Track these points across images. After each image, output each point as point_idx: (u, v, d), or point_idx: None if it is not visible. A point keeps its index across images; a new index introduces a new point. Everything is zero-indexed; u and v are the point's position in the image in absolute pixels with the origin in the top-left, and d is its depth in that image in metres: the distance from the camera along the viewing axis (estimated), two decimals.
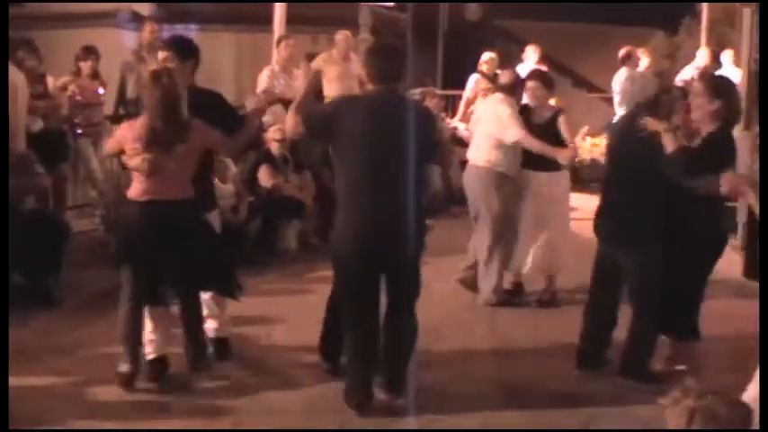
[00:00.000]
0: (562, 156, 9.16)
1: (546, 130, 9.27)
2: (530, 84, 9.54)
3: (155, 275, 6.95)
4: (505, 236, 9.40)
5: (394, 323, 6.77)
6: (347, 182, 6.64)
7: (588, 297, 7.68)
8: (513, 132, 9.14)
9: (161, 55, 7.63)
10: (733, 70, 15.92)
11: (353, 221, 6.61)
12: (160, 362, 7.08)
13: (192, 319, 7.28)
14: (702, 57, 16.44)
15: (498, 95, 9.61)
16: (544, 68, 13.30)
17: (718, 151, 6.76)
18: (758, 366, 4.86)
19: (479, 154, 9.49)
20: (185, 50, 7.61)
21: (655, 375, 7.14)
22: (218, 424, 6.49)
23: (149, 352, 7.06)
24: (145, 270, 6.89)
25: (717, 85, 6.99)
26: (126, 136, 6.91)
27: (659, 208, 7.07)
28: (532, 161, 9.30)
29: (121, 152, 7.07)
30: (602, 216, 7.54)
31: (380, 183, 6.51)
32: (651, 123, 6.94)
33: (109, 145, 7.69)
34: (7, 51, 8.97)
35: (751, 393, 4.74)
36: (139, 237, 6.83)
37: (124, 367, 6.89)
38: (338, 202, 6.75)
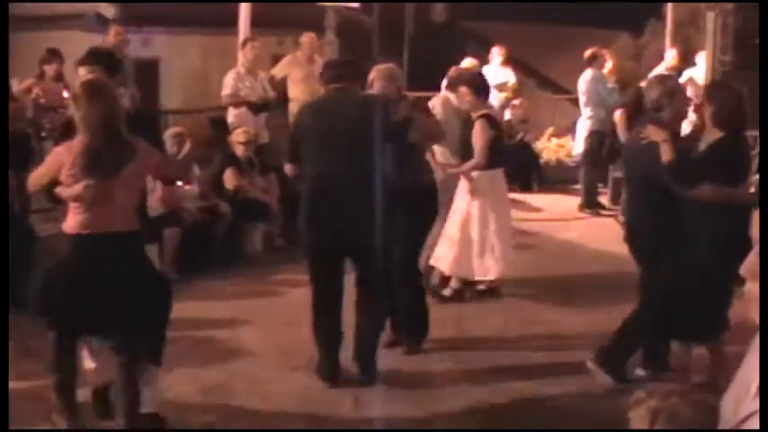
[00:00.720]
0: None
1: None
2: (460, 88, 9.38)
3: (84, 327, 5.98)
4: (454, 234, 9.44)
5: (360, 307, 7.25)
6: (308, 176, 7.18)
7: None
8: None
9: (82, 71, 6.69)
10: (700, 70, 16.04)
11: (314, 211, 7.14)
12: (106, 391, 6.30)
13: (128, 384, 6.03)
14: (671, 57, 16.53)
15: (444, 92, 9.73)
16: (502, 69, 13.37)
17: (720, 159, 6.66)
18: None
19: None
20: (113, 64, 6.94)
21: (625, 376, 7.11)
22: (189, 423, 6.49)
23: (91, 381, 6.33)
24: (74, 324, 5.92)
25: (710, 89, 6.94)
26: (62, 161, 5.77)
27: (670, 217, 6.91)
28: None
29: (54, 183, 5.90)
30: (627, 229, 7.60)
31: (338, 174, 6.97)
32: (653, 132, 6.83)
33: (37, 176, 6.08)
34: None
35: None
36: (73, 279, 5.78)
37: (59, 422, 6.05)
38: (302, 194, 7.33)
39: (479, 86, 9.39)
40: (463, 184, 9.38)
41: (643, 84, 14.52)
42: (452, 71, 9.95)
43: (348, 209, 6.98)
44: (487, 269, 9.40)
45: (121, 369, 5.91)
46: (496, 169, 9.45)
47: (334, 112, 7.12)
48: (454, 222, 9.37)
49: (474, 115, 9.27)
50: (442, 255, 9.37)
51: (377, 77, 7.79)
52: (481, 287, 9.61)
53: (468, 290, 9.62)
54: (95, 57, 6.91)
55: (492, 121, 9.42)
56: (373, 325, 7.35)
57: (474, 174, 9.31)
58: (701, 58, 16.67)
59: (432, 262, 9.43)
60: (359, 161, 6.97)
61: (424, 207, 7.97)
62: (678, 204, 6.77)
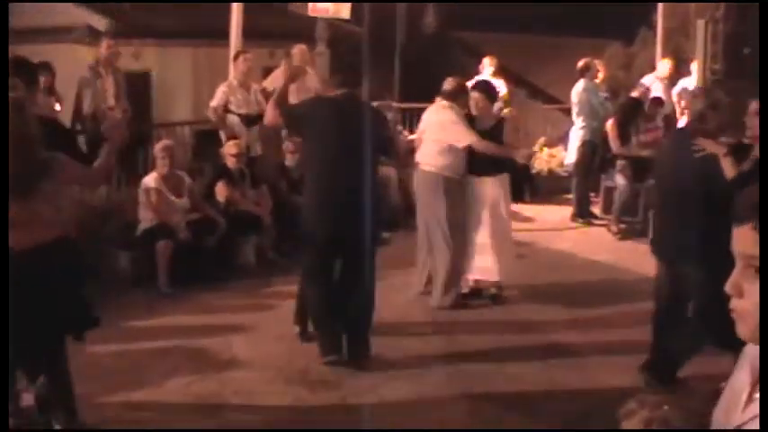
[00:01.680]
0: (521, 154, 9.42)
1: (490, 136, 9.46)
2: (473, 94, 9.74)
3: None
4: (455, 240, 9.52)
5: (351, 296, 7.93)
6: (312, 166, 8.10)
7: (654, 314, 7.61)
8: (467, 137, 9.30)
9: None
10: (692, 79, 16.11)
11: (319, 201, 7.89)
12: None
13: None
14: (664, 67, 16.61)
15: (443, 102, 9.74)
16: (493, 80, 13.42)
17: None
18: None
19: (426, 159, 9.71)
20: (30, 74, 6.93)
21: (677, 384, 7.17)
22: None
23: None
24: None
25: None
26: None
27: (717, 224, 6.86)
28: (475, 166, 9.54)
29: None
30: (659, 236, 7.57)
31: (339, 167, 7.78)
32: (709, 145, 6.83)
33: None
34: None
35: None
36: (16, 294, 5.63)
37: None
38: (305, 185, 8.23)
39: (491, 92, 10.03)
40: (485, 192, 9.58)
41: (634, 93, 14.62)
42: (454, 82, 10.00)
43: (346, 200, 7.71)
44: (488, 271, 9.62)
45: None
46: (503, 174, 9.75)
47: (342, 114, 7.87)
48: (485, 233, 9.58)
49: (488, 120, 9.76)
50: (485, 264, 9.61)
51: None
52: (493, 291, 9.80)
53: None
54: (14, 69, 6.80)
55: None
56: (365, 309, 8.01)
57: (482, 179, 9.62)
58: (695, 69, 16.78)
59: (478, 275, 9.70)
60: (356, 158, 7.70)
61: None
62: (721, 215, 6.77)
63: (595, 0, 21.67)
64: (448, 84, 9.93)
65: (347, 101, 7.97)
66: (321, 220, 7.85)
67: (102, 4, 16.36)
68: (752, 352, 3.02)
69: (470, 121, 9.59)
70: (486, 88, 10.03)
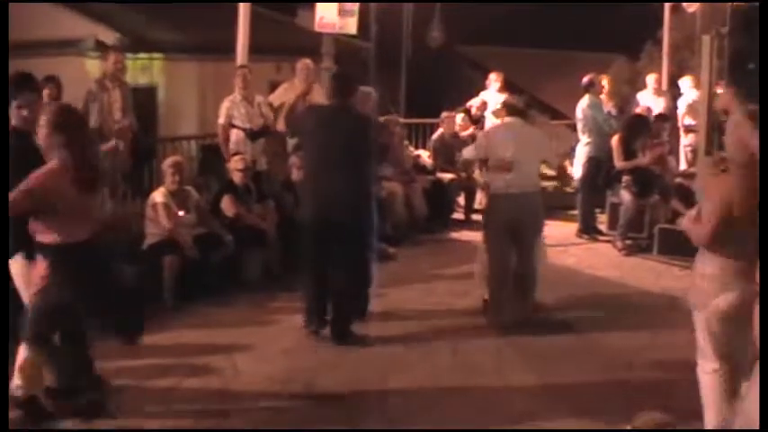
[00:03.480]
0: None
1: None
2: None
3: None
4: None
5: (338, 280, 8.78)
6: (307, 168, 9.30)
7: None
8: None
9: None
10: (694, 94, 16.14)
11: (314, 198, 8.86)
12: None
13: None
14: (652, 82, 16.71)
15: (517, 120, 9.73)
16: (507, 95, 13.44)
17: None
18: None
19: (528, 180, 9.54)
20: (15, 87, 7.05)
21: None
22: None
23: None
24: None
25: None
26: None
27: None
28: None
29: None
30: None
31: (326, 169, 8.72)
32: None
33: None
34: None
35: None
36: None
37: None
38: (303, 184, 9.47)
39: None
40: None
41: (638, 109, 14.65)
42: (521, 99, 10.24)
43: (333, 198, 8.64)
44: None
45: None
46: None
47: (329, 123, 8.80)
48: None
49: None
50: None
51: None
52: None
53: None
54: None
55: None
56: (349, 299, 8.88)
57: None
58: (686, 83, 16.79)
59: None
60: (345, 161, 8.65)
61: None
62: None
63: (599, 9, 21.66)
64: (518, 101, 9.97)
65: (336, 109, 8.87)
66: (311, 215, 8.83)
67: (110, 18, 16.42)
68: None
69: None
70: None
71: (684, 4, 17.09)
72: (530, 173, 9.54)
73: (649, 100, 16.48)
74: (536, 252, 9.65)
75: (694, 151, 15.76)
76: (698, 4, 16.23)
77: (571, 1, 22.92)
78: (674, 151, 16.03)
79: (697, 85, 15.70)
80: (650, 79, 17.00)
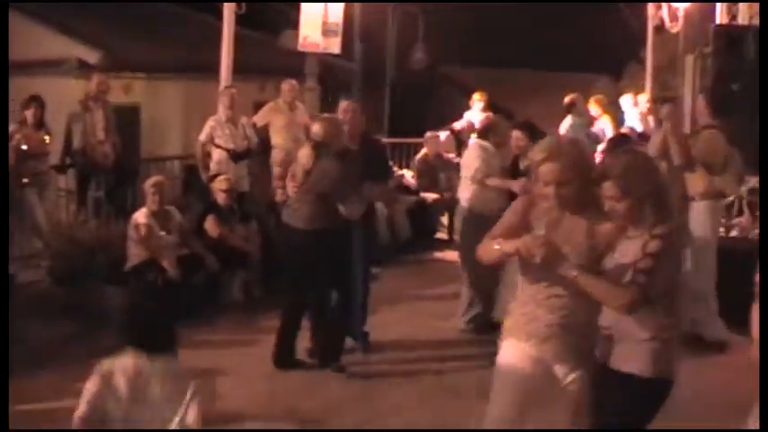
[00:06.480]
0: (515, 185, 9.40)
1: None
2: (515, 133, 9.85)
3: None
4: None
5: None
6: None
7: None
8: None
9: None
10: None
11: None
12: None
13: None
14: (627, 103, 16.72)
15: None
16: (490, 114, 13.48)
17: None
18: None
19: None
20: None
21: None
22: None
23: None
24: None
25: None
26: None
27: None
28: None
29: None
30: None
31: None
32: None
33: None
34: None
35: None
36: None
37: None
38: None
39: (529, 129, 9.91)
40: None
41: (624, 129, 14.66)
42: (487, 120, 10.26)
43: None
44: None
45: None
46: None
47: None
48: None
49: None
50: None
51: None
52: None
53: None
54: None
55: None
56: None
57: None
58: (627, 100, 16.74)
59: None
60: None
61: None
62: None
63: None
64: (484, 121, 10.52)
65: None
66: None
67: (93, 37, 16.37)
68: None
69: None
70: (527, 128, 10.10)
71: (668, 23, 17.19)
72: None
73: (632, 119, 16.49)
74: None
75: None
76: (681, 23, 16.35)
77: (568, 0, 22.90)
78: None
79: (635, 103, 15.88)
80: (627, 99, 16.90)
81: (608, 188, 4.78)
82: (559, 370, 5.01)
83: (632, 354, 4.82)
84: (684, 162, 9.46)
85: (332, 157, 8.26)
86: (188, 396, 5.20)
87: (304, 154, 8.41)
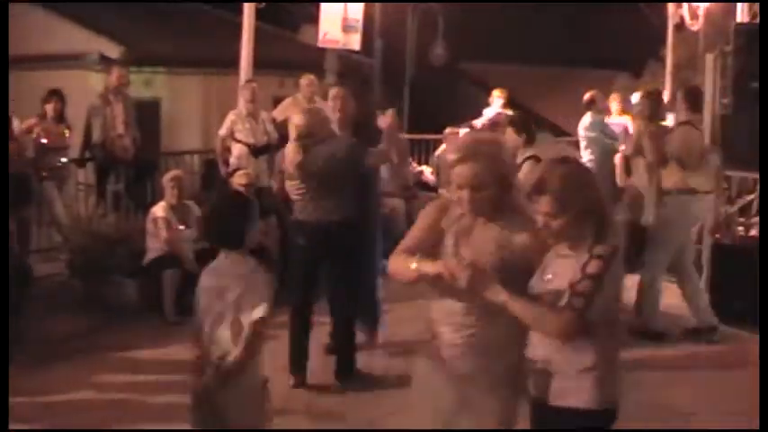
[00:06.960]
0: None
1: None
2: (508, 129, 9.55)
3: None
4: None
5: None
6: None
7: None
8: None
9: None
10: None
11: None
12: None
13: None
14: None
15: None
16: (510, 112, 13.43)
17: None
18: None
19: None
20: None
21: None
22: None
23: None
24: None
25: None
26: None
27: None
28: None
29: None
30: None
31: None
32: None
33: None
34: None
35: None
36: None
37: None
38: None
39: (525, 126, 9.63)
40: None
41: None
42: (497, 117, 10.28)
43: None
44: None
45: None
46: None
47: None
48: None
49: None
50: None
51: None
52: None
53: None
54: None
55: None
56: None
57: None
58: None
59: None
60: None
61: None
62: None
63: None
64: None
65: None
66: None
67: (114, 32, 16.44)
68: None
69: None
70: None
71: (688, 21, 17.12)
72: None
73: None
74: None
75: None
76: (701, 22, 16.27)
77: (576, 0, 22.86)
78: None
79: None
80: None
81: (543, 203, 4.29)
82: (471, 393, 4.60)
83: (572, 386, 4.31)
84: (656, 158, 9.55)
85: (318, 146, 8.10)
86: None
87: (290, 149, 8.30)
